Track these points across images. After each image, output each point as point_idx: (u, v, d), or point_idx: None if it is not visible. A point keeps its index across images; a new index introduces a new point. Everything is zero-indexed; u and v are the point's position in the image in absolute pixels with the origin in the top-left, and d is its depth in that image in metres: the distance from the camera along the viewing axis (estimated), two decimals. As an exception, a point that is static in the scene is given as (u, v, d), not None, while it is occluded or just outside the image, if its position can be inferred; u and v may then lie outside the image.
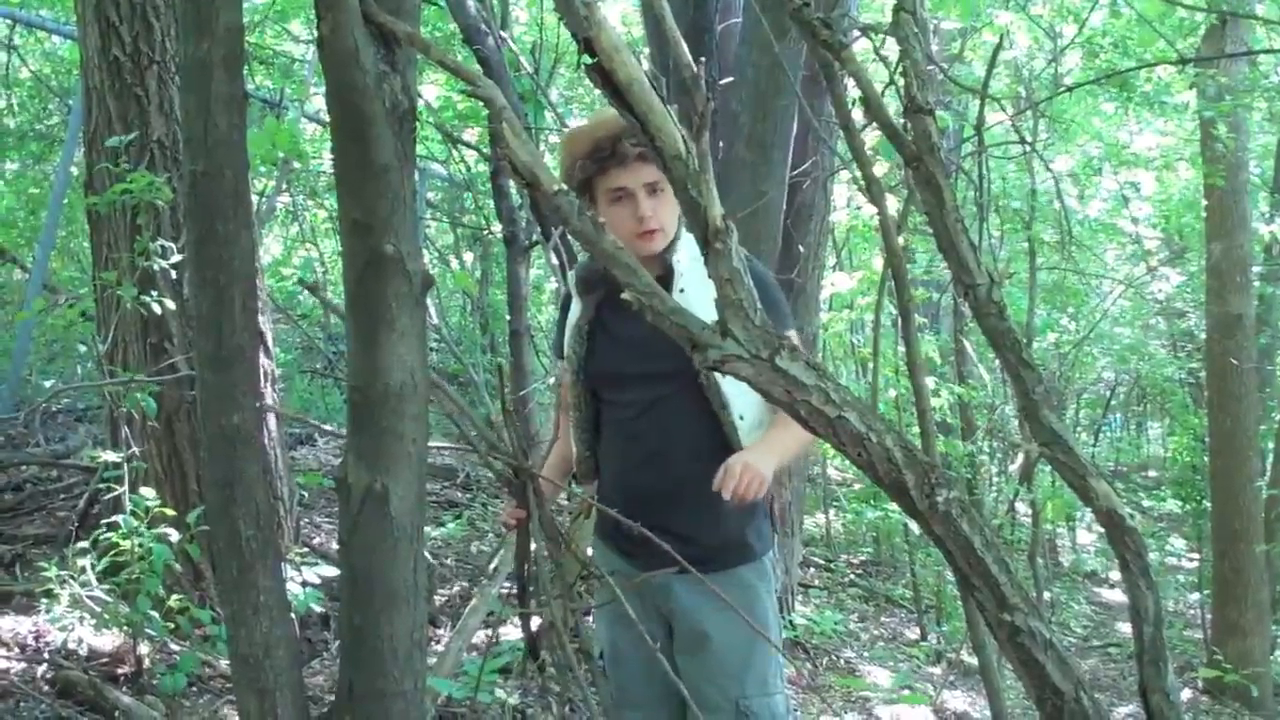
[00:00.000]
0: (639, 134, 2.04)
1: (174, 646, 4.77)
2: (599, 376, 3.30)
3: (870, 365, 11.11)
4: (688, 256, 3.15)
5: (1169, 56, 6.99)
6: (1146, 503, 16.75)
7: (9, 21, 9.45)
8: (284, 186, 10.53)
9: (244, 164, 2.38)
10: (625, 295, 2.07)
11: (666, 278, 3.14)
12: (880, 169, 7.48)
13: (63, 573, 4.52)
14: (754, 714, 3.19)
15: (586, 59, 2.00)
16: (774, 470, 3.05)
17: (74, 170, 7.89)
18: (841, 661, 7.42)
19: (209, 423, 2.42)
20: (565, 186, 2.12)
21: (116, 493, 4.76)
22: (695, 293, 3.07)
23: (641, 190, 3.08)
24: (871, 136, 6.21)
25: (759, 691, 3.21)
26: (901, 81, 2.42)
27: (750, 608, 3.22)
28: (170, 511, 4.63)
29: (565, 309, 3.42)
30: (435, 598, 6.31)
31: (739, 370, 2.01)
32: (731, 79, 5.98)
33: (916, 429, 4.02)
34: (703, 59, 2.07)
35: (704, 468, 3.12)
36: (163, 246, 4.81)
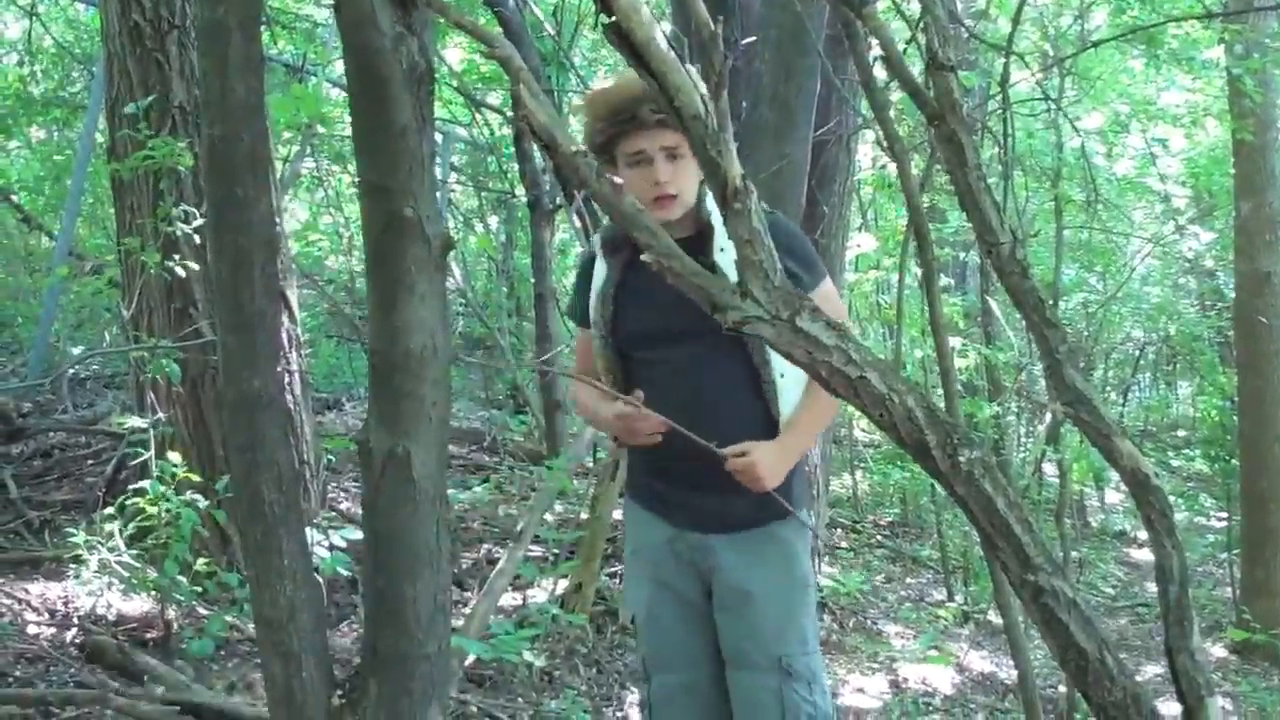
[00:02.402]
0: (657, 94, 2.02)
1: (202, 610, 4.80)
2: (630, 339, 3.26)
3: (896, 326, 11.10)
4: None
5: (1196, 11, 6.93)
6: (1175, 462, 16.69)
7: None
8: (308, 151, 10.52)
9: (263, 128, 2.38)
10: (645, 257, 2.06)
11: (706, 235, 3.12)
12: (904, 129, 7.44)
13: (91, 538, 4.55)
14: (796, 672, 3.18)
15: (604, 18, 1.99)
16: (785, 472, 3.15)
17: (98, 137, 7.90)
18: (868, 622, 7.43)
19: (230, 387, 2.42)
20: (584, 148, 2.10)
21: (143, 458, 4.78)
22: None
23: (660, 155, 3.06)
24: (896, 95, 6.17)
25: (800, 649, 3.21)
26: (923, 39, 2.40)
27: (790, 565, 3.24)
28: (196, 476, 4.65)
29: (585, 274, 3.38)
30: (463, 560, 6.33)
31: (760, 331, 2.00)
32: (754, 38, 5.94)
33: (941, 390, 4.00)
34: (722, 18, 2.05)
35: (741, 425, 3.12)
36: (185, 211, 4.81)
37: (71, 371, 7.51)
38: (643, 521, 3.35)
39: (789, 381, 3.14)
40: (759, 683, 3.17)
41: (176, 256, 4.82)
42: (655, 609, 3.32)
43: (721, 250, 3.07)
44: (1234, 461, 10.56)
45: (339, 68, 9.71)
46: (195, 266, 4.90)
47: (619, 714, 5.10)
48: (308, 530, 3.34)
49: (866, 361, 1.99)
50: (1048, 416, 9.73)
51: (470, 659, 4.84)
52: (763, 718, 3.17)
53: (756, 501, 3.15)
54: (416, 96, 2.29)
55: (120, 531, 4.60)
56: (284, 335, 5.26)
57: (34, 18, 9.95)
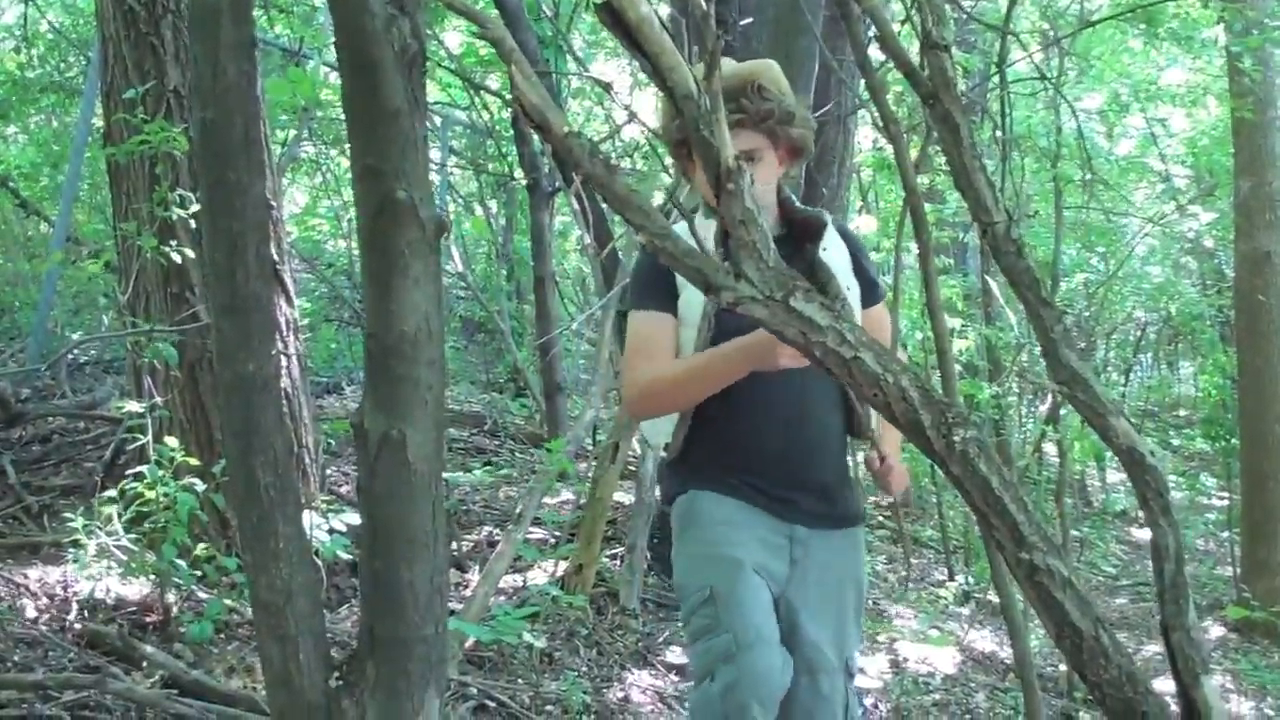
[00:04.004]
0: (650, 74, 2.02)
1: (201, 594, 4.80)
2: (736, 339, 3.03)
3: (902, 307, 11.07)
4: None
5: (1196, -10, 6.92)
6: (1176, 442, 16.69)
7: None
8: (306, 135, 10.51)
9: (255, 111, 2.37)
10: (638, 237, 2.06)
11: (803, 232, 3.11)
12: (903, 109, 7.43)
13: (90, 523, 4.55)
14: (854, 672, 3.20)
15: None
16: None
17: (95, 122, 7.89)
18: (869, 603, 7.44)
19: (225, 371, 2.42)
20: (575, 129, 2.10)
21: (141, 442, 4.78)
22: (835, 255, 3.13)
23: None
24: (896, 76, 6.17)
25: (857, 648, 3.23)
26: (918, 19, 2.39)
27: (861, 566, 3.30)
28: (194, 460, 4.65)
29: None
30: (463, 543, 6.34)
31: (754, 311, 2.00)
32: (751, 20, 5.94)
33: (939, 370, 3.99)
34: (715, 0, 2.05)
35: (833, 427, 3.18)
36: (181, 196, 4.81)
37: (70, 357, 7.51)
38: (735, 509, 3.10)
39: None
40: (835, 685, 3.10)
41: (173, 241, 4.81)
42: (755, 584, 3.03)
43: (824, 250, 3.06)
44: (1234, 441, 10.56)
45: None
46: (191, 254, 4.90)
47: (620, 695, 5.10)
48: (307, 514, 3.34)
49: (860, 341, 1.99)
50: (1048, 396, 9.73)
51: (470, 641, 4.85)
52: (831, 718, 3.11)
53: (848, 502, 3.21)
54: (408, 78, 2.28)
55: (119, 516, 4.60)
56: (282, 319, 5.25)
57: (30, 2, 9.94)
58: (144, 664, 4.25)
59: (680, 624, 3.28)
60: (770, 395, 3.06)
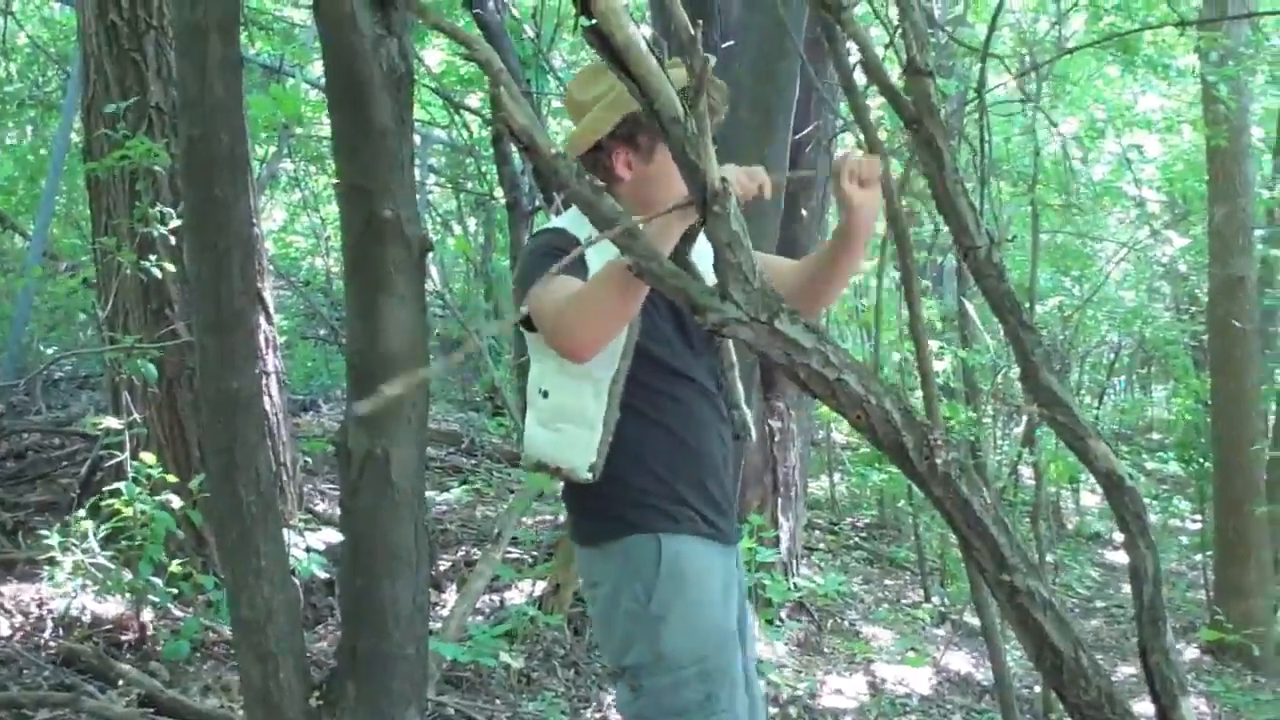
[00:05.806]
0: (637, 97, 2.02)
1: (177, 613, 4.79)
2: (662, 342, 2.87)
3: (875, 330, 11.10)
4: None
5: (1172, 19, 6.97)
6: (1150, 465, 16.75)
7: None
8: (286, 152, 10.51)
9: (241, 129, 2.38)
10: (626, 262, 2.07)
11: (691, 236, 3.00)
12: (884, 134, 7.46)
13: (65, 540, 4.53)
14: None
15: (585, 21, 1.99)
16: None
17: (74, 137, 7.88)
18: (845, 624, 7.44)
19: (208, 388, 2.42)
20: (563, 150, 2.10)
21: (118, 459, 4.77)
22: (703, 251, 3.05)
23: None
24: (878, 100, 6.21)
25: None
26: (901, 43, 2.41)
27: None
28: (172, 478, 4.64)
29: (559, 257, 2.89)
30: (440, 562, 6.33)
31: (738, 333, 2.00)
32: (734, 42, 5.96)
33: (921, 393, 3.99)
34: (700, 22, 2.05)
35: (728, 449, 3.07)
36: (162, 212, 4.80)
37: (45, 373, 7.48)
38: (704, 550, 2.86)
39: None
40: (760, 689, 3.09)
41: (153, 257, 4.81)
42: (735, 655, 2.91)
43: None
44: (1207, 464, 10.61)
45: (317, 69, 9.71)
46: (171, 268, 4.89)
47: (597, 715, 5.10)
48: (285, 532, 3.34)
49: (844, 364, 2.00)
50: (1024, 419, 9.76)
51: (447, 661, 4.84)
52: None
53: None
54: (396, 98, 2.29)
55: (95, 533, 4.59)
56: (261, 336, 5.25)
57: (8, 16, 9.91)
58: (120, 682, 4.24)
59: (638, 687, 2.82)
60: (705, 412, 2.94)
